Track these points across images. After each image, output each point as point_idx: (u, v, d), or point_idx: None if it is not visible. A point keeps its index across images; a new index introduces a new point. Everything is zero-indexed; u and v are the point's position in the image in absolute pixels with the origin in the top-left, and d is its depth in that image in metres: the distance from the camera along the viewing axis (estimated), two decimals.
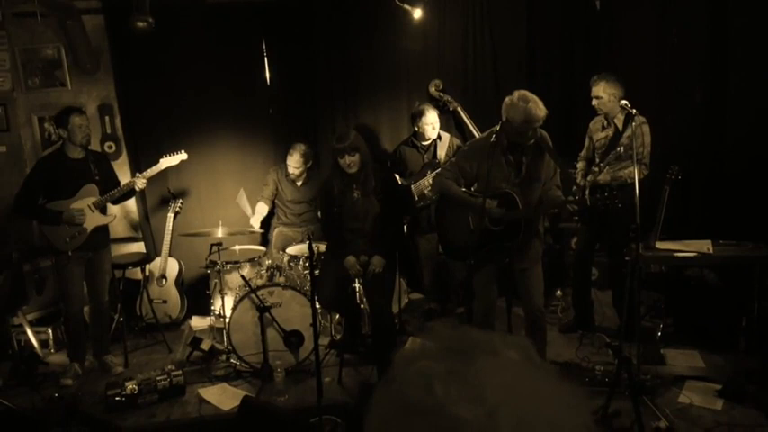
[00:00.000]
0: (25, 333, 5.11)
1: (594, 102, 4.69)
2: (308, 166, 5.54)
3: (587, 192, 4.76)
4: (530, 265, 3.91)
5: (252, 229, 5.44)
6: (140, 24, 4.83)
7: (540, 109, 3.59)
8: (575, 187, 4.87)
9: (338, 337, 5.00)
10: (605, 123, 4.79)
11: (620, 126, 4.70)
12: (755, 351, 4.37)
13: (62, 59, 5.85)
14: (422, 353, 0.79)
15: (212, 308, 5.22)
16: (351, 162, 4.14)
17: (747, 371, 4.15)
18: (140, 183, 4.76)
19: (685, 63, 5.51)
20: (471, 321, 3.79)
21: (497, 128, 3.75)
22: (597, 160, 4.81)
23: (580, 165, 4.99)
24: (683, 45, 5.48)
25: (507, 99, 3.68)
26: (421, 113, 5.36)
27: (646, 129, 4.55)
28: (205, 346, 4.91)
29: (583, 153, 5.00)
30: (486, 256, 3.83)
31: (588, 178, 4.75)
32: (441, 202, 4.14)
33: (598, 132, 4.85)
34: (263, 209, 5.64)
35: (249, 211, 5.56)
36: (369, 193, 4.23)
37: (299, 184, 5.59)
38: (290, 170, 5.49)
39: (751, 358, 4.33)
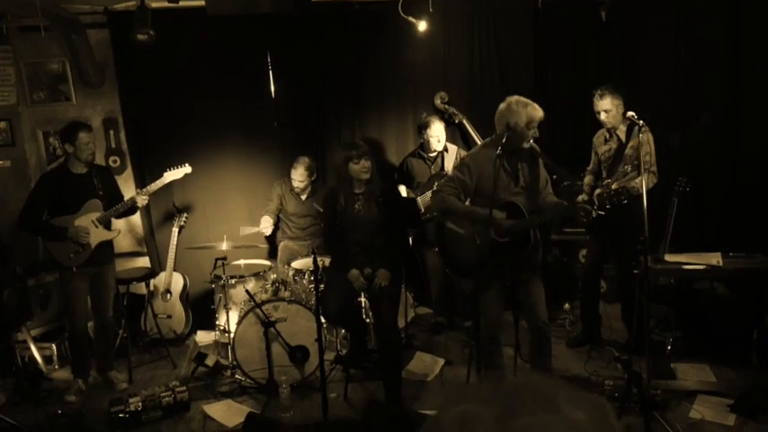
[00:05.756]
0: (29, 349, 5.08)
1: (603, 116, 4.63)
2: (313, 179, 5.52)
3: (595, 205, 4.71)
4: (531, 276, 3.88)
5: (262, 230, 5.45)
6: (141, 37, 4.83)
7: (537, 109, 3.69)
8: (581, 196, 4.82)
9: (344, 351, 4.95)
10: (607, 136, 4.76)
11: (623, 137, 4.67)
12: None
13: (67, 73, 5.86)
14: (472, 393, 0.74)
15: (217, 323, 5.18)
16: (366, 167, 4.08)
17: (760, 385, 4.09)
18: (141, 199, 4.71)
19: (698, 75, 5.48)
20: (478, 336, 3.74)
21: (490, 140, 3.82)
22: (604, 174, 4.77)
23: (587, 179, 4.96)
24: (695, 56, 5.45)
25: (503, 106, 3.72)
26: (426, 125, 5.36)
27: (650, 137, 4.51)
28: (210, 361, 4.86)
29: (590, 167, 4.97)
30: (491, 270, 3.78)
31: (596, 192, 4.68)
32: (440, 218, 4.01)
33: (602, 146, 4.82)
34: (267, 221, 5.61)
35: (255, 229, 5.52)
36: (371, 204, 4.18)
37: (303, 197, 5.57)
38: (295, 183, 5.47)
39: (763, 372, 4.29)
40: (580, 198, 4.72)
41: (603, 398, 0.75)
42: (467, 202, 3.86)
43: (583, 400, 0.71)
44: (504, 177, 3.74)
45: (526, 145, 3.75)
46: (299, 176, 5.42)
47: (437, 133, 5.34)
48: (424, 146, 5.47)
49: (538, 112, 3.68)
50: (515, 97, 3.73)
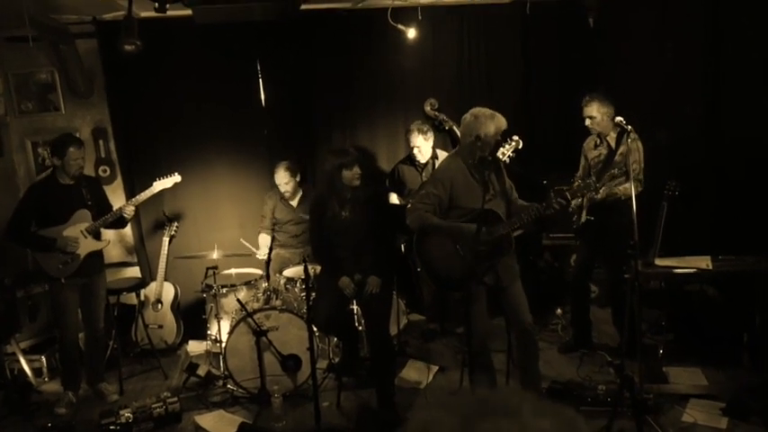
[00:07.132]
0: (18, 361, 5.03)
1: (588, 122, 4.68)
2: (298, 180, 5.48)
3: (584, 211, 4.74)
4: (512, 282, 3.89)
5: (258, 256, 5.40)
6: (128, 47, 4.80)
7: (502, 119, 3.81)
8: (574, 201, 4.83)
9: (336, 360, 4.93)
10: (598, 141, 4.79)
11: (612, 144, 4.70)
12: (759, 367, 4.34)
13: (56, 83, 5.83)
14: (440, 403, 0.75)
15: (209, 332, 5.15)
16: (357, 174, 4.10)
17: (751, 387, 4.10)
18: (129, 210, 4.66)
19: (682, 78, 5.52)
20: (470, 344, 3.73)
21: (455, 151, 3.96)
22: (593, 179, 4.78)
23: (576, 184, 4.96)
24: (679, 60, 5.49)
25: (469, 118, 3.80)
26: (408, 137, 5.39)
27: (639, 144, 4.54)
28: (201, 371, 4.84)
29: (579, 173, 4.98)
30: (477, 280, 3.78)
31: (576, 183, 4.70)
32: (419, 234, 3.94)
33: (591, 151, 4.85)
34: (265, 240, 5.58)
35: (253, 249, 5.46)
36: (357, 209, 4.18)
37: (293, 204, 5.55)
38: (282, 188, 5.44)
39: (755, 374, 4.30)
40: (574, 203, 4.74)
41: (573, 409, 0.75)
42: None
43: (550, 410, 0.72)
44: (477, 187, 3.76)
45: (502, 155, 3.89)
46: (282, 179, 5.38)
47: (417, 145, 5.35)
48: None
49: (503, 122, 3.79)
50: (480, 109, 3.82)
